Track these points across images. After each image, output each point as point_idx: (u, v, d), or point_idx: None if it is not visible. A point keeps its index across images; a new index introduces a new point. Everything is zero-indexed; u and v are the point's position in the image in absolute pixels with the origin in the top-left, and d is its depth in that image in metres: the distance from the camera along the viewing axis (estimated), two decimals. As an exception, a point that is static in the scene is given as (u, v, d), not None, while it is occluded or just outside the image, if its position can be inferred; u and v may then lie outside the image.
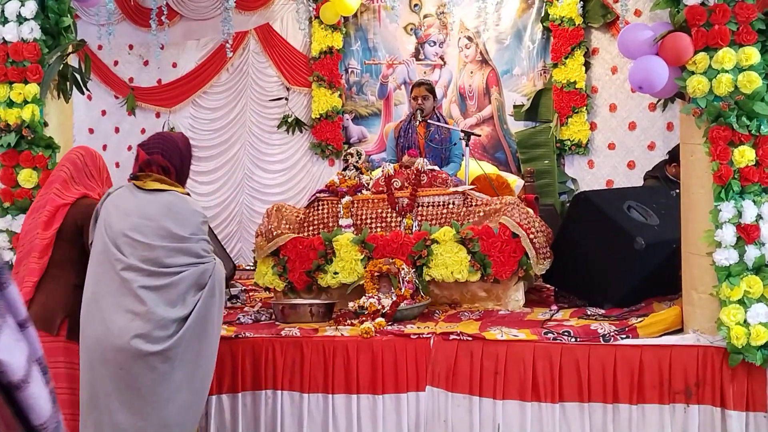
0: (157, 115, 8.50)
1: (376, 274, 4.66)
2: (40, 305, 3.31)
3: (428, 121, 5.83)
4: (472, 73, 7.83)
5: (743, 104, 3.63)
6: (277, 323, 4.51)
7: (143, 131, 8.52)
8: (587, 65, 7.53)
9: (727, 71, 3.63)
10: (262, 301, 5.38)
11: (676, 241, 4.05)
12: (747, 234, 3.62)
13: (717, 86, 3.64)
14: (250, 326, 4.45)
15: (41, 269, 3.36)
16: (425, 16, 7.94)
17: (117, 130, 8.61)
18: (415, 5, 7.94)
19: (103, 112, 8.61)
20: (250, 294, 5.67)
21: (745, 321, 3.59)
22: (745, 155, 3.63)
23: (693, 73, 3.70)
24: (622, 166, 7.49)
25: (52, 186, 3.52)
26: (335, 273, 4.88)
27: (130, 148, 8.52)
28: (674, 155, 6.17)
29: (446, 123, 6.03)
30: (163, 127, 8.41)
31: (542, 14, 7.62)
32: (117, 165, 8.54)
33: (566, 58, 7.45)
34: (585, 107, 7.47)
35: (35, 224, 3.44)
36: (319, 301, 4.74)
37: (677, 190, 5.72)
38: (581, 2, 7.35)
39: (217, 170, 8.36)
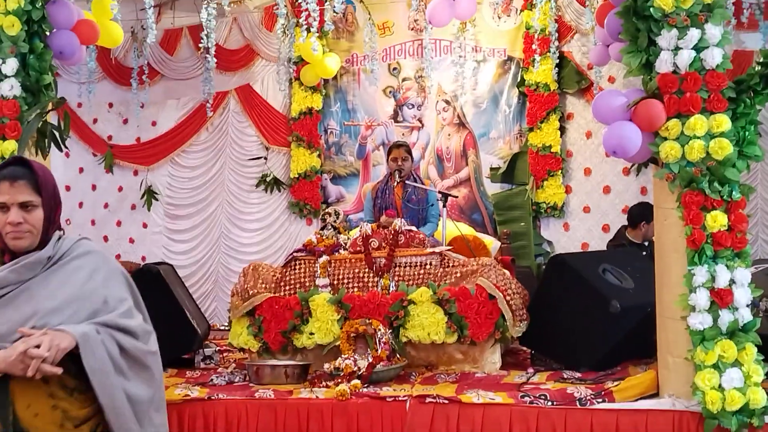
0: (135, 173, 8.48)
1: (352, 334, 4.63)
2: None
3: (406, 182, 5.87)
4: (449, 135, 7.92)
5: (715, 170, 3.69)
6: (251, 385, 4.44)
7: (120, 189, 8.50)
8: (562, 130, 7.64)
9: (699, 137, 3.70)
10: (236, 361, 5.31)
11: (651, 305, 4.06)
12: (720, 298, 3.64)
13: (689, 152, 3.71)
14: (224, 388, 4.37)
15: None
16: (404, 80, 8.05)
17: (94, 187, 8.57)
18: (394, 69, 8.07)
19: (81, 170, 8.59)
20: (224, 354, 5.59)
21: (719, 386, 3.59)
22: (717, 220, 3.68)
23: (666, 138, 3.77)
24: (597, 229, 7.55)
25: None
26: (311, 333, 4.83)
27: (106, 205, 8.49)
28: (635, 218, 6.26)
29: (423, 184, 6.08)
30: (141, 185, 8.39)
31: (518, 79, 7.75)
32: (93, 223, 8.50)
33: (542, 122, 7.57)
34: (560, 171, 7.56)
35: None
36: (294, 362, 4.68)
37: (644, 253, 5.79)
38: (556, 68, 7.50)
39: (194, 228, 8.32)
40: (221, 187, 8.32)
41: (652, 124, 3.78)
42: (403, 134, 7.98)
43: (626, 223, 6.48)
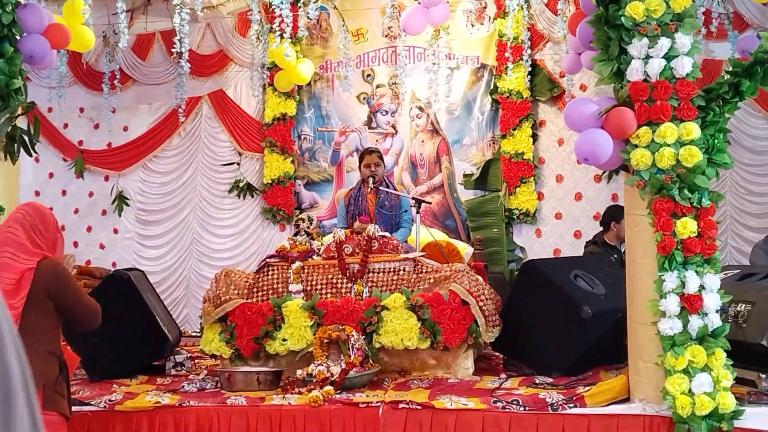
0: (106, 178, 8.41)
1: (325, 341, 4.61)
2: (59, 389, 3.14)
3: (379, 188, 5.88)
4: (423, 142, 7.95)
5: (685, 177, 3.74)
6: (223, 391, 4.40)
7: (91, 194, 8.42)
8: (535, 137, 7.70)
9: (669, 145, 3.74)
10: (207, 368, 5.27)
11: (621, 310, 4.09)
12: (690, 304, 3.68)
13: (659, 159, 3.75)
14: (195, 395, 4.34)
15: None
16: (378, 86, 8.06)
17: (64, 192, 8.48)
18: (368, 75, 8.08)
19: (51, 175, 8.49)
20: (196, 361, 5.55)
21: (689, 390, 3.62)
22: (687, 227, 3.72)
23: (636, 146, 3.81)
24: (568, 235, 7.61)
25: (1, 249, 3.26)
26: (284, 340, 4.81)
27: (77, 211, 8.40)
28: (606, 220, 6.37)
29: (395, 190, 6.09)
30: (112, 191, 8.31)
31: (491, 87, 7.80)
32: (63, 228, 8.36)
33: (514, 129, 7.62)
34: (533, 177, 7.61)
35: None
36: (266, 368, 4.66)
37: (615, 256, 5.86)
38: (529, 76, 7.55)
39: (166, 234, 8.26)
40: (193, 192, 8.27)
41: (623, 132, 3.81)
42: (377, 141, 7.99)
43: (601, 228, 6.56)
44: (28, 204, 3.45)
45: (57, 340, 3.26)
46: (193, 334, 6.99)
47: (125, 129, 8.40)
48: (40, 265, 3.23)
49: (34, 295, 3.18)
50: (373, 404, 3.97)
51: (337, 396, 4.13)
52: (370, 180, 5.86)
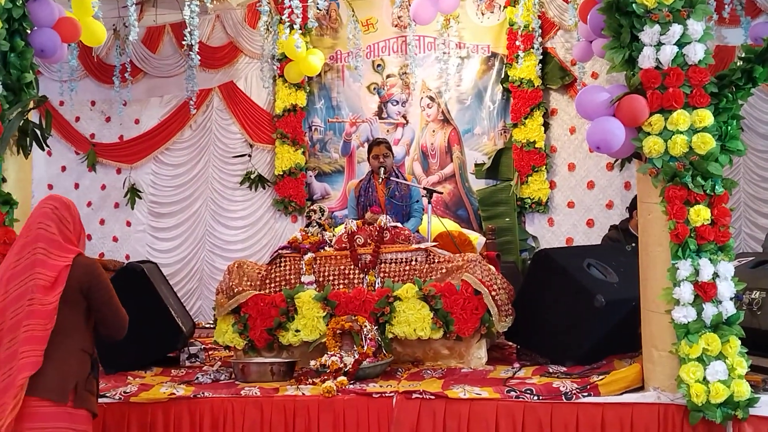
0: (118, 171, 8.43)
1: (338, 331, 4.63)
2: (52, 375, 3.10)
3: (389, 178, 5.87)
4: (434, 131, 7.93)
5: (698, 164, 3.72)
6: (237, 383, 4.43)
7: (103, 187, 8.45)
8: (546, 125, 7.67)
9: (681, 132, 3.72)
10: (221, 360, 5.30)
11: (635, 299, 4.08)
12: (704, 292, 3.67)
13: (672, 147, 3.73)
14: (209, 386, 4.36)
15: (47, 337, 3.09)
16: (388, 76, 8.05)
17: (77, 186, 8.51)
18: (378, 65, 8.06)
19: (63, 168, 8.53)
20: (210, 353, 5.58)
21: (704, 378, 3.62)
22: (700, 214, 3.70)
23: (649, 134, 3.79)
24: (581, 224, 7.58)
25: (33, 246, 3.20)
26: (297, 331, 4.83)
27: (89, 204, 8.43)
28: (630, 208, 6.32)
29: (405, 179, 6.08)
30: (124, 184, 8.34)
31: (502, 76, 7.77)
32: (76, 221, 8.42)
33: (526, 118, 7.59)
34: (544, 166, 7.59)
35: (25, 289, 3.14)
36: (280, 359, 4.68)
37: (633, 245, 5.84)
38: (540, 64, 7.51)
39: (178, 226, 8.29)
40: (205, 184, 8.28)
41: (635, 120, 3.80)
42: (387, 131, 7.98)
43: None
44: (53, 197, 3.40)
45: (90, 338, 3.27)
46: (207, 325, 7.02)
47: (137, 122, 8.42)
48: (76, 261, 3.21)
49: (68, 292, 3.17)
50: (386, 394, 3.98)
51: (351, 386, 4.14)
52: (381, 170, 5.86)
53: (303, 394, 4.08)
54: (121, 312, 3.30)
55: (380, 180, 5.87)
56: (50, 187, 8.37)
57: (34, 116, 4.43)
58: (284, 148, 8.01)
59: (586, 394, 3.85)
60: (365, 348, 4.46)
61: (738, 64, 3.78)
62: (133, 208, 8.34)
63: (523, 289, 5.03)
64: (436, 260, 4.94)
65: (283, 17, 6.42)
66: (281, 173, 8.01)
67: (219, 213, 8.24)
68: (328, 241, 5.21)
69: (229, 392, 4.17)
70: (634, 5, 3.76)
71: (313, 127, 8.16)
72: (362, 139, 8.04)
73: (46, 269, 3.16)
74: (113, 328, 3.29)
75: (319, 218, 5.48)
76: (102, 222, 8.44)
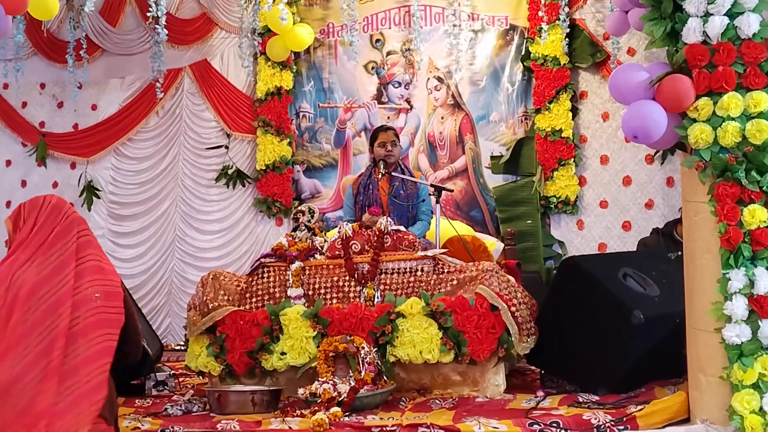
0: (73, 165, 8.44)
1: (330, 354, 4.63)
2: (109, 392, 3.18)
3: (392, 173, 5.86)
4: (442, 118, 7.93)
5: (753, 156, 3.71)
6: (212, 415, 4.43)
7: (55, 185, 8.45)
8: (574, 111, 7.67)
9: (733, 119, 3.72)
10: (194, 388, 5.30)
11: (679, 315, 4.08)
12: (761, 307, 3.66)
13: (722, 136, 3.73)
14: (180, 419, 4.37)
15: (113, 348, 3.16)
16: (388, 54, 8.05)
17: (24, 183, 8.52)
18: (377, 41, 8.07)
19: (8, 163, 8.53)
20: (180, 380, 5.58)
21: (761, 409, 3.61)
22: (756, 215, 3.69)
23: (695, 120, 3.79)
24: (616, 227, 7.58)
25: (85, 251, 3.22)
26: (282, 353, 4.83)
27: (39, 204, 8.41)
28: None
29: (412, 176, 6.07)
30: (79, 181, 8.35)
31: (523, 52, 7.77)
32: (23, 224, 8.42)
33: (550, 102, 7.59)
34: (572, 159, 7.58)
35: (84, 297, 3.15)
36: (262, 387, 4.69)
37: (678, 252, 5.82)
38: (567, 39, 7.52)
39: (143, 231, 8.29)
40: (174, 181, 8.29)
41: (678, 104, 3.79)
42: (388, 117, 7.98)
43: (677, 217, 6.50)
44: (52, 196, 3.42)
45: None
46: (177, 347, 7.02)
47: (94, 108, 8.43)
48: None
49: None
50: (388, 428, 3.98)
51: (346, 419, 4.14)
52: (382, 164, 5.85)
53: (290, 428, 4.08)
54: (139, 331, 3.42)
55: (380, 174, 5.85)
56: (-8, 184, 8.40)
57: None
58: (267, 139, 8.01)
59: (622, 427, 3.84)
60: (363, 374, 4.46)
61: (800, 38, 3.78)
62: (89, 210, 8.34)
63: (547, 304, 5.03)
64: (446, 270, 4.94)
65: (266, -16, 6.43)
66: (264, 168, 8.02)
67: (191, 215, 8.24)
68: (319, 248, 5.22)
69: (203, 426, 4.17)
70: (677, -30, 3.76)
71: (301, 114, 8.16)
72: (359, 128, 8.04)
73: (109, 275, 3.23)
74: (135, 345, 3.41)
75: (308, 221, 5.48)
76: (53, 226, 8.43)
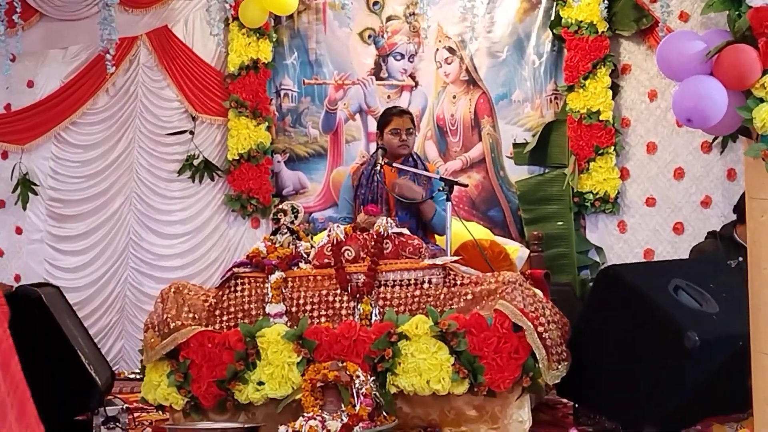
0: (5, 155, 8.43)
1: (318, 384, 4.62)
2: None
3: (400, 166, 5.82)
4: (454, 98, 7.94)
5: (832, 144, 3.71)
6: (174, 457, 4.43)
7: (-17, 178, 8.45)
8: (615, 88, 7.67)
9: (808, 98, 3.72)
10: (152, 425, 5.30)
11: (742, 337, 4.08)
12: (842, 326, 3.67)
13: (795, 119, 3.73)
14: (135, 462, 4.37)
15: None
16: (389, 19, 8.06)
17: (-56, 177, 8.53)
18: (375, 3, 8.08)
19: (-75, 151, 8.54)
20: (135, 415, 5.57)
21: (843, 450, 3.62)
22: (836, 215, 3.70)
23: (762, 100, 3.79)
24: (665, 229, 7.59)
25: None
26: (260, 383, 4.82)
27: (-37, 203, 8.43)
28: (740, 210, 6.29)
29: (426, 169, 6.03)
30: (12, 173, 8.34)
31: (552, 18, 7.78)
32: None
33: (586, 78, 7.59)
34: (613, 147, 7.58)
35: None
36: (235, 424, 4.69)
37: (740, 258, 5.82)
38: (606, 1, 7.51)
39: (90, 234, 8.29)
40: (128, 174, 8.29)
41: (741, 80, 3.79)
42: (388, 96, 7.99)
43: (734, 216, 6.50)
44: None
45: None
46: (132, 376, 7.02)
47: (30, 85, 8.43)
48: None
49: None
50: (387, 474, 3.98)
51: (337, 463, 4.14)
52: (380, 153, 5.80)
53: (269, 473, 4.08)
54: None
55: (379, 166, 5.79)
56: None
57: None
58: (241, 122, 8.02)
59: (673, 472, 3.85)
60: (357, 408, 4.46)
61: None
62: (25, 208, 8.34)
63: (582, 323, 5.03)
64: (459, 282, 4.94)
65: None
66: (237, 158, 8.02)
67: (148, 215, 8.24)
68: (304, 255, 5.21)
69: (162, 471, 4.17)
70: None
71: (282, 93, 8.17)
72: (352, 109, 8.05)
73: None
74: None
75: (291, 222, 5.47)
76: (-19, 228, 8.47)
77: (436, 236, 5.87)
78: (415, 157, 6.03)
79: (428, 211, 5.78)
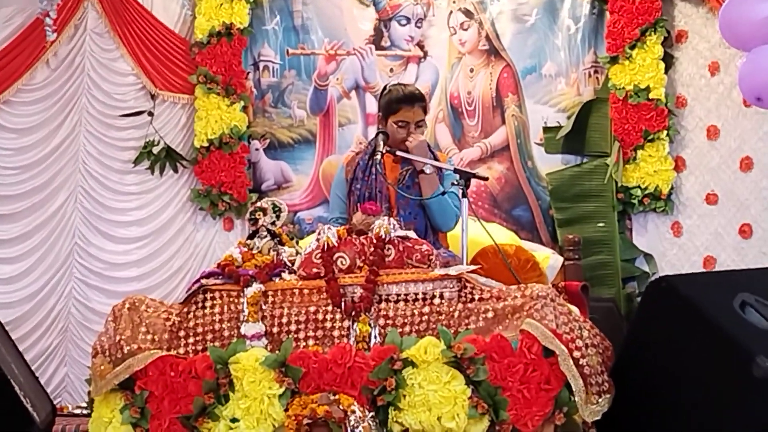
0: None
1: (305, 422, 4.62)
2: None
3: (405, 154, 5.80)
4: (472, 71, 7.94)
5: None
6: None
7: None
8: (668, 60, 7.67)
9: None
10: (103, 470, 5.30)
11: (825, 364, 4.08)
12: None
13: None
14: None
15: None
16: (392, -25, 8.09)
17: None
18: (375, -44, 8.10)
19: None
20: (83, 458, 5.58)
21: None
22: None
23: None
24: (730, 232, 7.59)
25: None
26: (233, 420, 4.82)
27: None
28: None
29: (436, 159, 6.03)
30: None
31: (591, -27, 7.81)
32: None
33: (632, 47, 7.60)
34: (666, 132, 7.59)
35: None
36: (204, 470, 4.69)
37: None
38: (657, -47, 7.55)
39: (26, 238, 8.30)
40: (73, 164, 8.31)
41: (824, 50, 3.80)
42: (391, 70, 8.00)
43: None
44: None
45: None
46: (77, 411, 7.01)
47: (-48, 55, 8.46)
48: None
49: None
50: None
51: None
52: (381, 138, 5.79)
53: None
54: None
55: (379, 155, 5.79)
56: None
57: None
58: (211, 101, 8.03)
59: None
60: (353, 450, 4.47)
61: None
62: (-53, 207, 8.37)
63: (628, 347, 5.02)
64: (477, 297, 4.92)
65: None
66: (206, 145, 8.03)
67: (98, 214, 8.26)
68: (288, 264, 5.21)
69: None
70: None
71: (261, 65, 8.18)
72: (347, 86, 8.06)
73: None
74: None
75: (272, 223, 5.48)
76: None
77: (438, 234, 5.87)
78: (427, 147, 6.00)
79: (428, 186, 5.79)
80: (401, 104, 5.87)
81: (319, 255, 5.09)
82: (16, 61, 8.33)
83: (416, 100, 5.89)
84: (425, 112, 5.93)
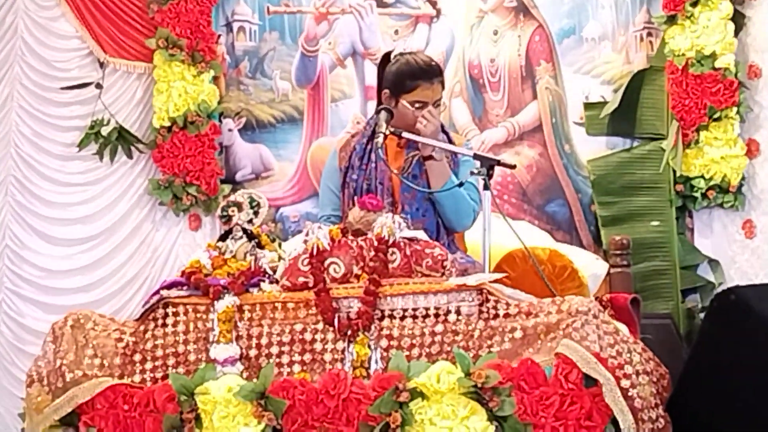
0: None
1: (291, 466, 4.65)
2: None
3: (412, 136, 5.80)
4: (496, 34, 7.96)
5: None
6: None
7: None
8: (739, 21, 7.68)
9: None
10: None
11: None
12: None
13: None
14: None
15: None
16: None
17: None
18: None
19: None
20: None
21: None
22: None
23: None
24: (814, 234, 7.62)
25: None
26: (201, 464, 4.85)
27: None
28: None
29: (452, 142, 6.03)
30: None
31: None
32: None
33: (695, 4, 7.60)
34: (736, 109, 7.59)
35: None
36: None
37: None
38: None
39: (-54, 239, 8.34)
40: (4, 148, 8.32)
41: None
42: (396, 32, 8.01)
43: None
44: None
45: None
46: (8, 452, 7.05)
47: None
48: None
49: None
50: None
51: None
52: (382, 117, 5.79)
53: None
54: None
55: (381, 137, 5.79)
56: None
57: None
58: (173, 71, 8.04)
59: None
60: (349, 501, 4.49)
61: None
62: None
63: (689, 374, 5.03)
64: (502, 312, 4.93)
65: None
66: (167, 124, 8.04)
67: (33, 209, 8.28)
68: (269, 272, 5.22)
69: None
70: None
71: (235, 26, 8.19)
72: (342, 52, 8.08)
73: None
74: None
75: (249, 221, 5.49)
76: None
77: (454, 235, 5.88)
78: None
79: (437, 175, 5.79)
80: (418, 80, 5.82)
81: (307, 261, 5.10)
82: (-66, 22, 8.38)
83: (435, 74, 5.87)
84: (442, 84, 5.90)
